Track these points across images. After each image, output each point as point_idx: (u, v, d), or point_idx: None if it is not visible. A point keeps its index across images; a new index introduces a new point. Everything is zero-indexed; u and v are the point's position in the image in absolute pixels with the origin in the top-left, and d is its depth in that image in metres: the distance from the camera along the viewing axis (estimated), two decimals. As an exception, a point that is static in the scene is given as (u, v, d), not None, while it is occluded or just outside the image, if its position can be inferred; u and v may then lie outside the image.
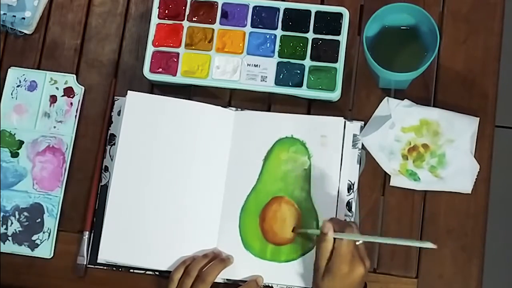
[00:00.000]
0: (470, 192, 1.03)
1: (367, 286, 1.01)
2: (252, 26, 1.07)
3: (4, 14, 1.10)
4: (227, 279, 1.01)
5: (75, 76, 1.11)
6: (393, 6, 0.99)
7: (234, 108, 1.07)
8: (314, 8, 1.06)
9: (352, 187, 1.03)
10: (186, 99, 1.06)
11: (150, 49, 1.07)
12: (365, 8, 1.10)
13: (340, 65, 1.04)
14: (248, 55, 1.06)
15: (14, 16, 1.10)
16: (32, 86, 1.11)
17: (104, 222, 1.02)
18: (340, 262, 0.90)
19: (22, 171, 1.08)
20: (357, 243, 0.91)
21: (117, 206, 1.02)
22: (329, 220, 0.93)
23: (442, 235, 1.03)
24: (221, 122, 1.05)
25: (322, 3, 1.11)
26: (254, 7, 1.07)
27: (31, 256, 1.06)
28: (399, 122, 1.04)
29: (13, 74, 1.11)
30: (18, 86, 1.11)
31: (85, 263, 1.04)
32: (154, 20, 1.08)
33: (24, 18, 1.11)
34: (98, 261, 1.03)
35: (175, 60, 1.07)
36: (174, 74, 1.06)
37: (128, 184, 1.03)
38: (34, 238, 1.06)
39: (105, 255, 1.02)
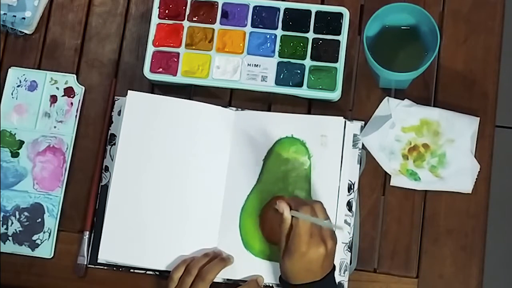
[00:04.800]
0: (470, 192, 1.03)
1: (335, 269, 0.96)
2: (253, 26, 1.07)
3: (5, 14, 1.10)
4: (227, 279, 1.01)
5: (75, 76, 1.11)
6: (394, 6, 0.99)
7: (234, 108, 1.07)
8: (314, 8, 1.06)
9: (352, 187, 1.03)
10: (186, 99, 1.06)
11: (150, 49, 1.07)
12: (365, 8, 1.10)
13: (340, 65, 1.04)
14: (248, 55, 1.06)
15: (15, 16, 1.10)
16: (33, 86, 1.11)
17: (104, 222, 1.02)
18: (297, 241, 0.89)
19: (22, 171, 1.08)
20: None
21: (117, 206, 1.02)
22: (287, 199, 0.92)
23: (442, 235, 1.03)
24: (221, 122, 1.05)
25: (322, 3, 1.11)
26: (255, 7, 1.07)
27: (31, 256, 1.06)
28: (400, 122, 1.04)
29: (14, 74, 1.11)
30: (18, 86, 1.11)
31: (85, 263, 1.04)
32: (155, 20, 1.08)
33: (24, 18, 1.11)
34: (99, 261, 1.03)
35: (176, 60, 1.07)
36: (175, 74, 1.06)
37: (128, 184, 1.03)
38: (34, 238, 1.06)
39: (105, 255, 1.02)
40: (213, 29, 1.07)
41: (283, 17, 1.07)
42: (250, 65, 1.06)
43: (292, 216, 0.90)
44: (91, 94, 1.11)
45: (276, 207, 0.93)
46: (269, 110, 1.08)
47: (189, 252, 1.01)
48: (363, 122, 1.06)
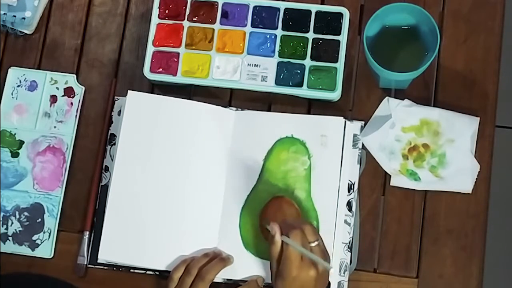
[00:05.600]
0: (470, 192, 1.03)
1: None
2: (253, 26, 1.07)
3: (5, 14, 1.10)
4: (227, 279, 1.01)
5: (75, 76, 1.11)
6: (394, 6, 0.99)
7: (234, 108, 1.07)
8: (314, 8, 1.06)
9: (352, 187, 1.03)
10: (186, 99, 1.06)
11: (150, 49, 1.07)
12: (365, 8, 1.10)
13: (340, 65, 1.04)
14: (248, 55, 1.06)
15: (15, 16, 1.10)
16: (33, 86, 1.11)
17: (104, 222, 1.02)
18: (288, 265, 0.89)
19: (22, 171, 1.08)
20: (311, 244, 0.90)
21: (117, 206, 1.02)
22: (279, 222, 0.92)
23: (442, 235, 1.03)
24: (221, 122, 1.05)
25: (322, 3, 1.11)
26: (255, 7, 1.07)
27: (31, 256, 1.06)
28: (400, 122, 1.04)
29: (14, 74, 1.11)
30: (18, 86, 1.11)
31: (85, 263, 1.04)
32: (155, 20, 1.08)
33: (24, 18, 1.11)
34: (99, 261, 1.03)
35: (176, 60, 1.07)
36: (175, 74, 1.06)
37: (128, 184, 1.03)
38: (34, 238, 1.06)
39: (105, 255, 1.02)
40: (213, 29, 1.07)
41: (283, 17, 1.07)
42: (250, 65, 1.06)
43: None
44: (91, 94, 1.11)
45: (268, 228, 0.92)
46: (269, 110, 1.08)
47: (189, 252, 1.01)
48: (363, 122, 1.06)
